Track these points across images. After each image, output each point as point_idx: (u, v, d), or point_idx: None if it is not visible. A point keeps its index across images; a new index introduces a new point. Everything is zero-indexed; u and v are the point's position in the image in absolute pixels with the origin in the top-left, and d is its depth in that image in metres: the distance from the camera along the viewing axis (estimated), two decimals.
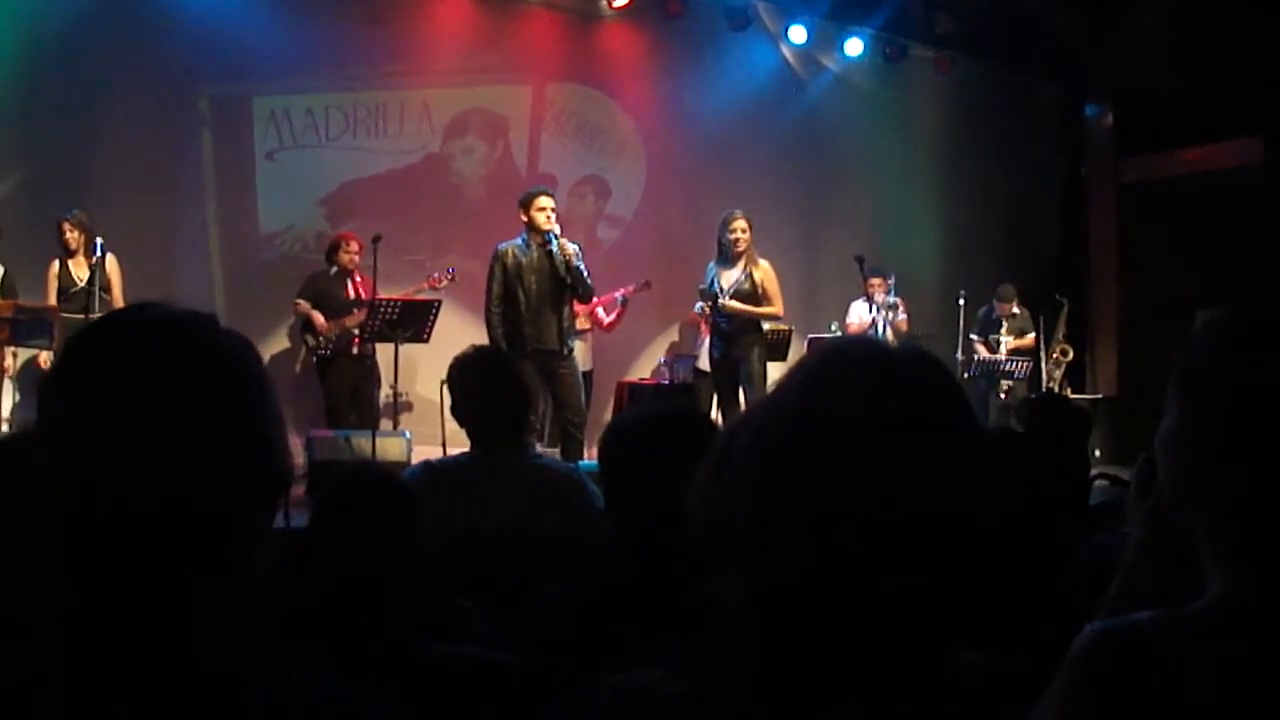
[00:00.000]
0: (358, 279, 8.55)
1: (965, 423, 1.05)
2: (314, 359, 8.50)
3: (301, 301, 8.51)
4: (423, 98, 10.14)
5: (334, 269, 8.59)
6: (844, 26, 11.44)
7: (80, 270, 7.71)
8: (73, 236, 7.71)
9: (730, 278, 7.97)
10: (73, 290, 7.66)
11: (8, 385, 7.74)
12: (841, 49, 11.54)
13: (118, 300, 7.69)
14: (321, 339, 8.36)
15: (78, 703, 0.98)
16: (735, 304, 7.91)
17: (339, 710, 1.07)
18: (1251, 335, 1.26)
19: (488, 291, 7.38)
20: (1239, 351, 1.25)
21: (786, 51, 11.50)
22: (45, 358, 7.43)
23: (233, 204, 9.45)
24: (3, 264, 7.71)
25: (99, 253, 7.50)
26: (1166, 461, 1.30)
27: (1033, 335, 10.86)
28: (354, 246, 8.54)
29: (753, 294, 7.93)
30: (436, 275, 8.54)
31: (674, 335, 10.76)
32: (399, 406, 8.44)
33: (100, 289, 7.52)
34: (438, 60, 10.03)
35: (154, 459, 1.00)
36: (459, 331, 8.23)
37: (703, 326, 9.35)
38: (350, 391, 8.41)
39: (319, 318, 8.37)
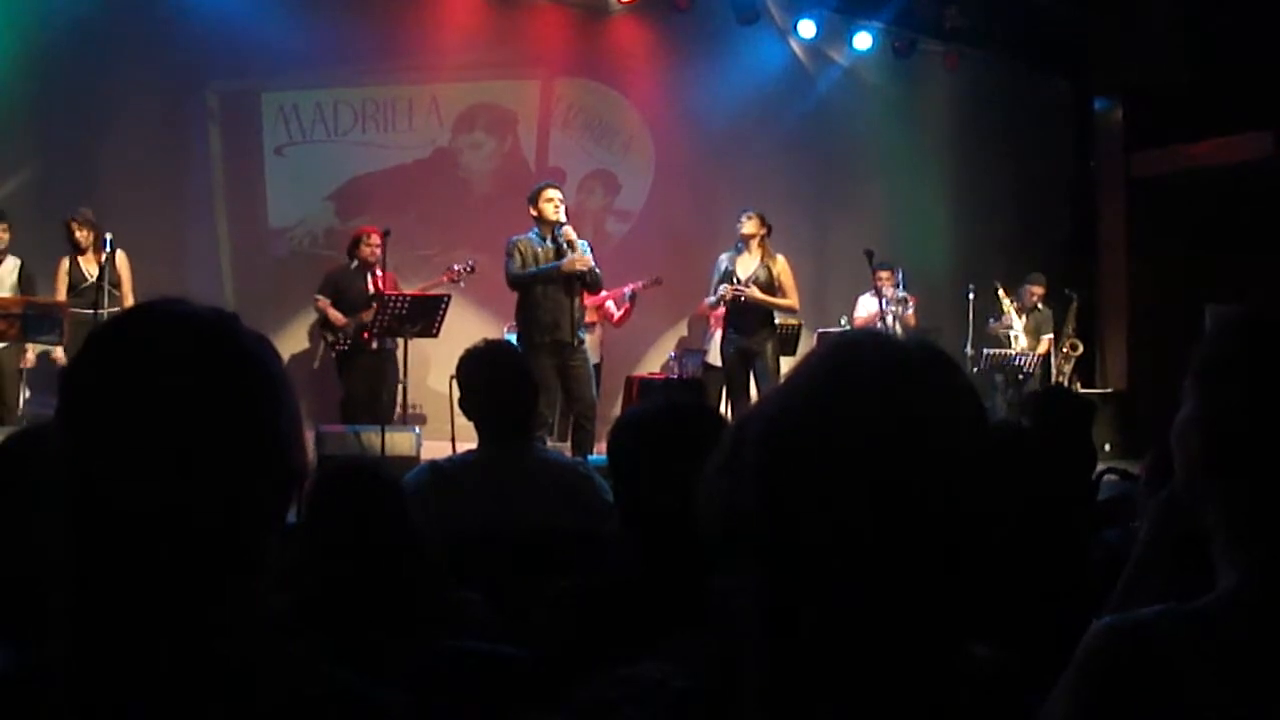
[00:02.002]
0: (379, 273, 8.52)
1: (976, 417, 1.05)
2: (333, 354, 8.50)
3: (320, 297, 8.49)
4: (431, 92, 10.15)
5: (354, 263, 8.55)
6: (853, 21, 11.44)
7: (90, 266, 7.73)
8: (82, 235, 7.73)
9: (747, 268, 8.03)
10: (83, 286, 7.67)
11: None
12: (850, 43, 11.54)
13: (127, 296, 7.71)
14: (340, 335, 8.34)
15: (86, 695, 0.99)
16: (757, 292, 7.96)
17: (349, 702, 1.08)
18: (1271, 330, 1.27)
19: (508, 263, 7.35)
20: (1259, 346, 1.25)
21: (795, 46, 11.49)
22: (58, 354, 7.45)
23: (242, 199, 9.47)
24: (20, 259, 7.74)
25: (109, 249, 7.52)
26: (1181, 452, 1.30)
27: (1049, 339, 10.84)
28: (375, 240, 8.46)
29: (769, 286, 8.00)
30: (457, 268, 8.46)
31: (682, 330, 10.76)
32: (409, 401, 8.44)
33: (110, 285, 7.54)
34: (446, 55, 10.04)
35: (172, 453, 1.00)
36: (469, 327, 8.25)
37: (712, 321, 9.36)
38: (367, 386, 8.37)
39: (335, 314, 8.35)
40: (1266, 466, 1.21)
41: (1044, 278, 10.84)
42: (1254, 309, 1.28)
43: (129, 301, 7.64)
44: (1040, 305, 10.80)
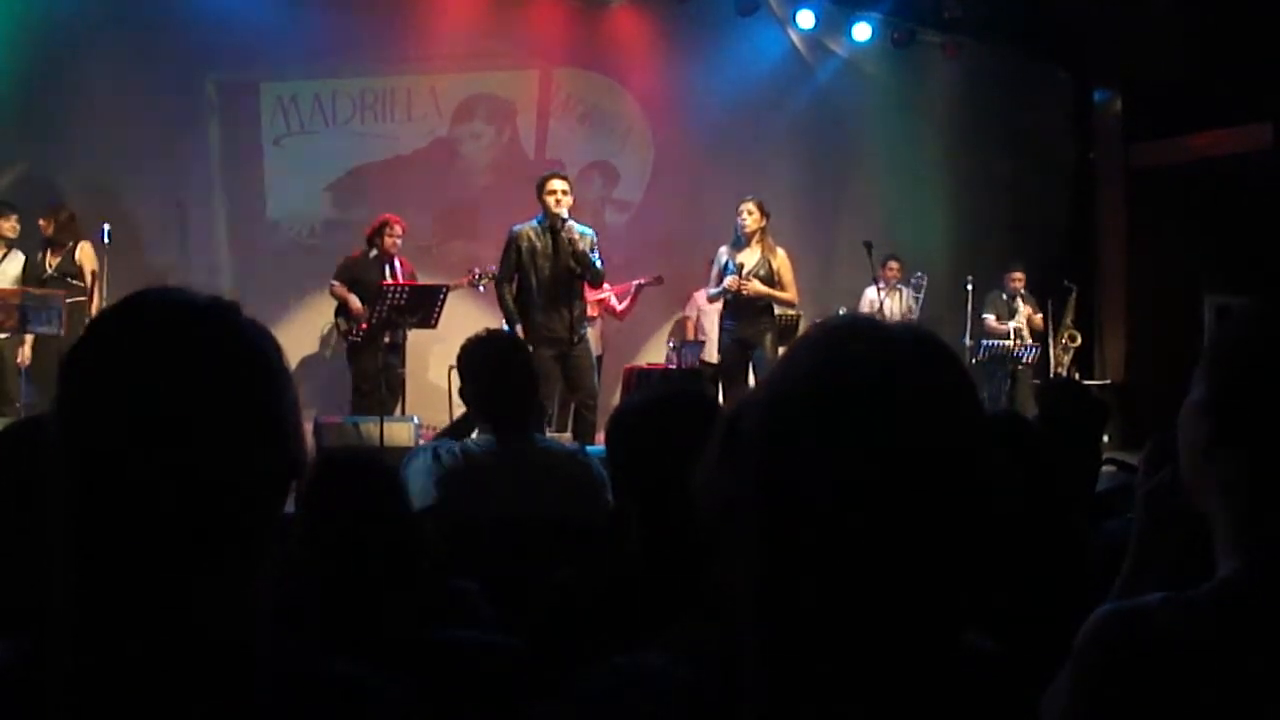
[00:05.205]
0: (398, 264, 8.48)
1: (970, 401, 1.05)
2: (345, 342, 8.47)
3: (337, 284, 8.44)
4: (430, 83, 10.15)
5: (373, 252, 8.47)
6: (852, 11, 11.43)
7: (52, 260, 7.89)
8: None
9: (747, 261, 7.98)
10: (44, 277, 7.80)
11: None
12: (849, 34, 11.53)
13: (90, 288, 7.85)
14: (354, 324, 8.25)
15: (86, 685, 0.99)
16: (759, 284, 7.91)
17: (347, 692, 1.08)
18: None
19: (500, 268, 7.37)
20: (1269, 335, 1.26)
21: (794, 36, 11.49)
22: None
23: (240, 190, 9.47)
24: (25, 253, 7.89)
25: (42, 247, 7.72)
26: (1186, 438, 1.31)
27: (1040, 315, 10.90)
28: (398, 230, 8.41)
29: (769, 280, 7.95)
30: (477, 272, 8.37)
31: (683, 322, 10.75)
32: (407, 392, 8.44)
33: (68, 276, 7.76)
34: (445, 45, 10.03)
35: (171, 442, 1.00)
36: (468, 318, 8.24)
37: (688, 326, 9.52)
38: (378, 377, 8.33)
39: (355, 301, 8.29)
40: (1271, 454, 1.22)
41: (1023, 264, 10.90)
42: (1265, 300, 1.29)
43: (94, 295, 7.78)
44: (1024, 291, 10.83)
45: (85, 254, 7.84)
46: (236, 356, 1.06)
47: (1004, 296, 10.78)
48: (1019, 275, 10.78)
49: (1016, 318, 10.68)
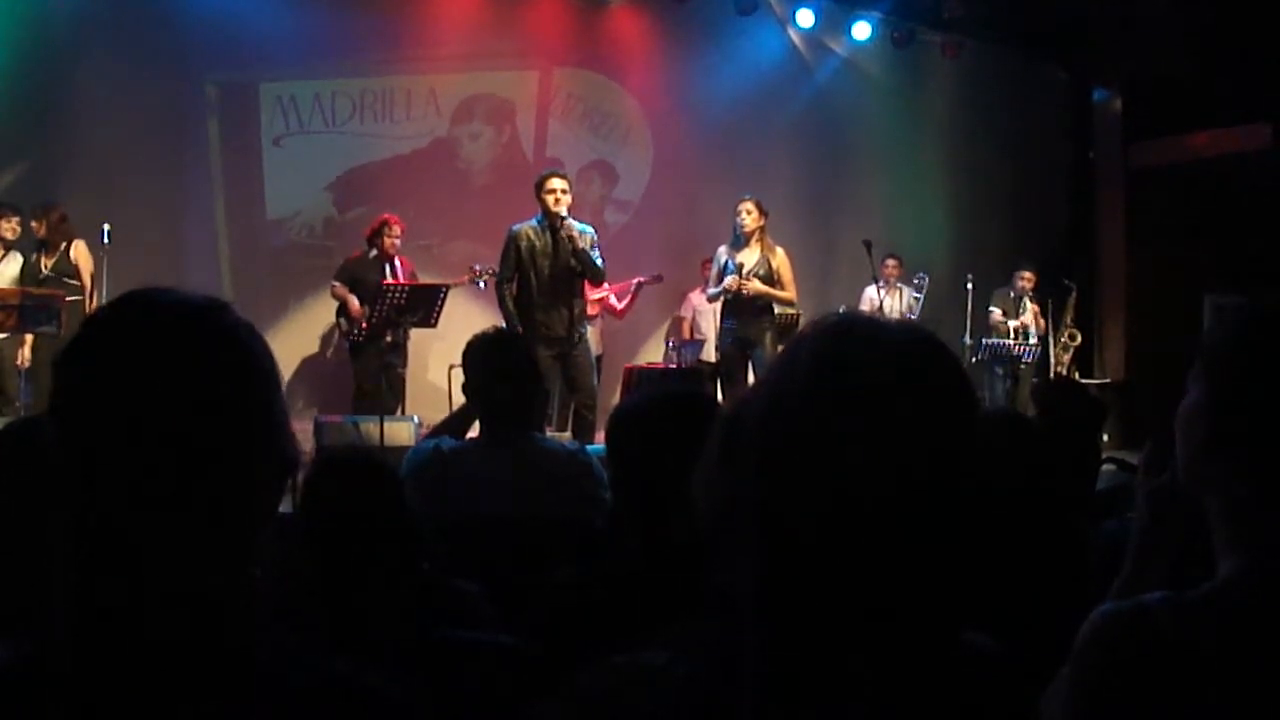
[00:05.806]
0: (398, 264, 8.48)
1: (967, 399, 1.05)
2: (347, 343, 8.46)
3: (338, 284, 8.46)
4: (430, 83, 10.14)
5: (373, 252, 8.49)
6: (851, 10, 11.43)
7: (47, 260, 7.88)
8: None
9: (747, 261, 7.96)
10: (41, 278, 7.81)
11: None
12: (849, 33, 11.53)
13: (87, 287, 7.85)
14: (355, 325, 8.25)
15: (85, 685, 0.99)
16: (759, 284, 7.90)
17: (347, 692, 1.08)
18: (1278, 319, 1.28)
19: (500, 268, 7.36)
20: (1267, 334, 1.26)
21: (794, 36, 11.49)
22: None
23: (240, 190, 9.47)
24: (23, 255, 7.88)
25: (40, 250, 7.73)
26: (1184, 438, 1.31)
27: (1042, 321, 10.91)
28: (397, 230, 8.44)
29: (768, 279, 7.93)
30: (478, 268, 8.38)
31: (678, 323, 10.75)
32: (407, 391, 8.44)
33: (64, 277, 7.77)
34: (444, 45, 10.03)
35: (164, 440, 1.00)
36: (469, 317, 8.24)
37: (685, 327, 9.72)
38: (380, 377, 8.32)
39: (354, 302, 8.30)
40: (1270, 453, 1.22)
41: (1031, 265, 10.90)
42: (1261, 299, 1.30)
43: (92, 295, 7.81)
44: (1032, 292, 10.83)
45: (80, 253, 7.84)
46: (227, 356, 1.06)
47: (1011, 294, 10.76)
48: (1029, 275, 10.74)
49: (1024, 317, 10.67)
